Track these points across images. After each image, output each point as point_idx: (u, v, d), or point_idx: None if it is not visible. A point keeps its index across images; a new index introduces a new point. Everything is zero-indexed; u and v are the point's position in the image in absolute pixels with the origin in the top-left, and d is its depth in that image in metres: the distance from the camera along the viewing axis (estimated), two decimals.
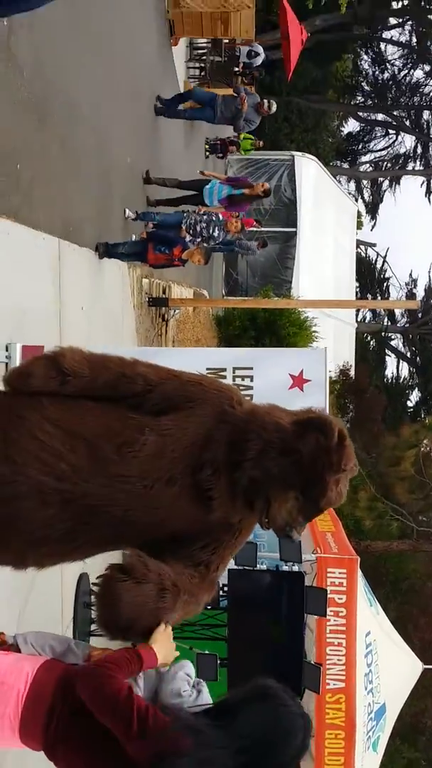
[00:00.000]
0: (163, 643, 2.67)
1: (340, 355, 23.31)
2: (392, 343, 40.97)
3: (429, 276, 53.93)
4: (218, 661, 7.26)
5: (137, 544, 2.88)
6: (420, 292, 40.58)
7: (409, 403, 37.73)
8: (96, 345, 7.31)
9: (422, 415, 33.88)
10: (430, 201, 43.11)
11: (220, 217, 9.46)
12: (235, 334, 17.36)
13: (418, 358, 39.76)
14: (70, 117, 6.93)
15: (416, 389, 39.10)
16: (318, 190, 25.51)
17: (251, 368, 5.26)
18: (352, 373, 23.41)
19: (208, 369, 5.21)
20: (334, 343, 22.15)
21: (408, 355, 40.86)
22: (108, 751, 2.43)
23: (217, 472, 2.72)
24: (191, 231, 8.99)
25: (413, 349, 40.56)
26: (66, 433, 2.69)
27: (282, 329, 17.33)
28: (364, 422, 20.14)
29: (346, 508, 13.36)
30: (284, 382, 5.26)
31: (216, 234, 9.09)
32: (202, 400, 2.82)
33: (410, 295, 40.00)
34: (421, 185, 43.62)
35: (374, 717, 8.46)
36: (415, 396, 38.79)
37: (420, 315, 37.36)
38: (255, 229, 15.46)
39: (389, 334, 40.26)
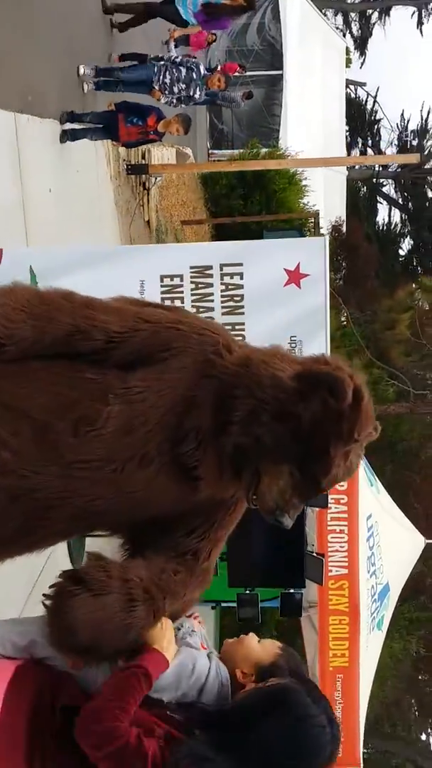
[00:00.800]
0: (167, 641, 2.20)
1: (331, 209, 22.30)
2: (384, 189, 39.53)
3: (421, 116, 51.43)
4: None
5: (111, 530, 2.39)
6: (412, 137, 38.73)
7: (401, 252, 36.85)
8: (70, 233, 6.65)
9: (414, 264, 33.12)
10: (422, 33, 40.48)
11: (202, 70, 8.39)
12: (222, 194, 16.38)
13: (410, 204, 38.44)
14: None
15: (408, 237, 38.03)
16: (304, 26, 23.68)
17: (240, 264, 4.62)
18: (344, 228, 22.51)
19: (192, 267, 4.59)
20: (325, 196, 21.16)
21: (400, 201, 39.50)
22: None
23: (203, 443, 2.15)
24: (166, 91, 8.00)
25: (405, 194, 39.16)
26: (5, 410, 2.11)
27: (271, 184, 16.35)
28: (358, 279, 19.51)
29: None
30: (279, 278, 4.63)
31: (197, 96, 8.12)
32: (179, 349, 2.20)
33: (403, 143, 38.27)
34: (412, 16, 40.82)
35: (378, 598, 8.37)
36: (407, 245, 37.82)
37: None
38: (238, 74, 14.23)
39: (381, 180, 38.79)
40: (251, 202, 16.10)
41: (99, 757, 1.99)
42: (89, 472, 2.12)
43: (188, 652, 2.31)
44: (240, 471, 2.18)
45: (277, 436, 2.09)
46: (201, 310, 4.57)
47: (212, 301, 4.60)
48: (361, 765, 8.26)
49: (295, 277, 4.61)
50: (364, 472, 7.92)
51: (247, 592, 7.05)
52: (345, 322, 15.29)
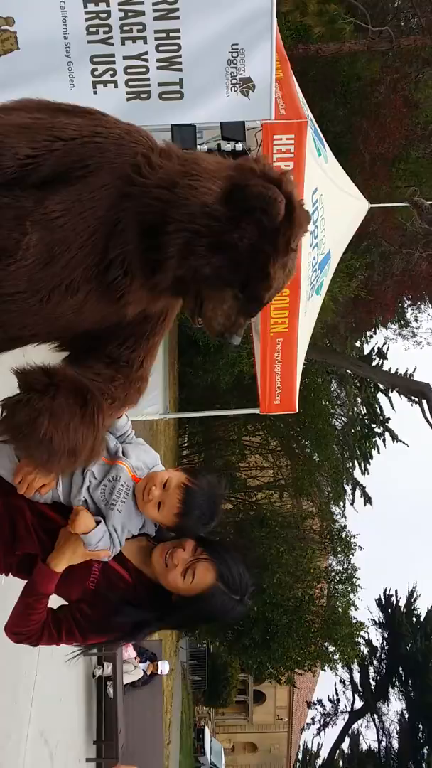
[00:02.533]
0: (64, 559, 2.49)
1: None
2: None
3: None
4: None
5: (46, 342, 2.45)
6: None
7: None
8: None
9: None
10: None
11: None
12: None
13: None
14: None
15: None
16: None
17: None
18: None
19: None
20: None
21: None
22: None
23: (129, 272, 2.14)
24: None
25: None
26: None
27: None
28: None
29: (293, 15, 11.75)
30: None
31: None
32: (97, 165, 2.09)
33: None
34: None
35: (318, 267, 8.59)
36: None
37: None
38: None
39: None
40: None
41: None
42: (15, 305, 2.13)
43: (105, 524, 2.51)
44: (177, 293, 2.22)
45: (216, 266, 2.10)
46: (130, 14, 4.02)
47: (142, 3, 4.04)
48: (296, 408, 9.16)
49: None
50: (312, 141, 7.63)
51: None
52: None
